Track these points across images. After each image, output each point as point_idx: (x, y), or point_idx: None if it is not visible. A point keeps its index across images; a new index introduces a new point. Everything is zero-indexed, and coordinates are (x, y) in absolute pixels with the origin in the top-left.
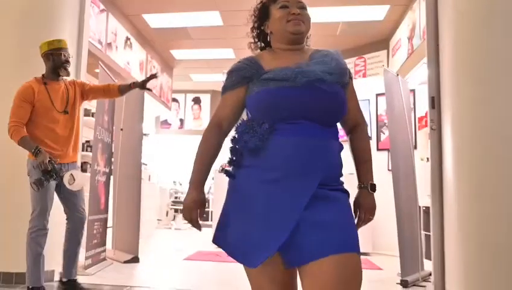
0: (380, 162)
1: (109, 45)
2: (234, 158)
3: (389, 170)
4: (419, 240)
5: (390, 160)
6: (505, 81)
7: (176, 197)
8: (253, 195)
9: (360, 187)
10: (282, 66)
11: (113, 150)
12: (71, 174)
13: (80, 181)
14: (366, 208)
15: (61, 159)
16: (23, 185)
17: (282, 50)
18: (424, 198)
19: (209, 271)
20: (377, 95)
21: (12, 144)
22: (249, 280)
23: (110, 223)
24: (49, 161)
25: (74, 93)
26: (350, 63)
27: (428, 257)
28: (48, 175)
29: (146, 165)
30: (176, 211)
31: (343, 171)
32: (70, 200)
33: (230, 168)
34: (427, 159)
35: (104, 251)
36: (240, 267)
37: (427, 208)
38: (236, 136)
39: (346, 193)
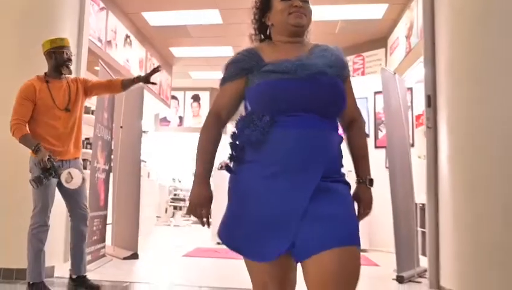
0: (377, 160)
1: (109, 42)
2: (235, 154)
3: (386, 167)
4: (416, 237)
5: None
6: (500, 81)
7: (175, 195)
8: (256, 190)
9: (358, 182)
10: (282, 58)
11: (112, 148)
12: (69, 172)
13: (77, 180)
14: (365, 203)
15: (63, 156)
16: (25, 182)
17: (282, 42)
18: (421, 195)
19: (207, 267)
20: (375, 93)
21: (15, 142)
22: (249, 275)
23: (109, 219)
24: (48, 158)
25: (76, 90)
26: (349, 61)
27: (425, 254)
28: (47, 173)
29: (145, 162)
30: (175, 208)
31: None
32: (72, 197)
33: (231, 164)
34: (424, 156)
35: (104, 247)
36: (237, 263)
37: (424, 205)
38: (236, 131)
39: (348, 184)
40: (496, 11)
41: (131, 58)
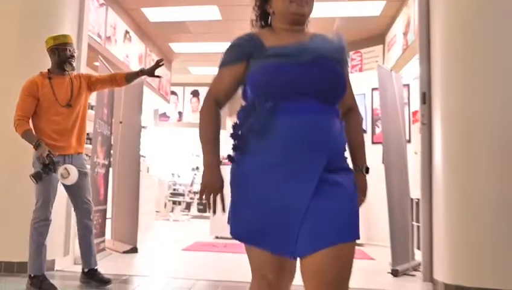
0: (374, 155)
1: (108, 38)
2: (238, 144)
3: (383, 163)
4: (411, 231)
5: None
6: (494, 79)
7: (174, 189)
8: (260, 181)
9: (355, 170)
10: (283, 43)
11: (112, 143)
12: (65, 168)
13: (73, 176)
14: (361, 190)
15: (65, 151)
16: (27, 177)
17: (283, 30)
18: (417, 190)
19: (206, 261)
20: (373, 89)
21: (17, 137)
22: (250, 267)
23: (109, 214)
24: (47, 154)
25: (79, 86)
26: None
27: (420, 248)
28: (46, 169)
29: (145, 157)
30: (174, 202)
31: None
32: (74, 191)
33: (233, 154)
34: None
35: (103, 241)
36: (236, 257)
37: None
38: (238, 121)
39: (352, 172)
40: (489, 8)
41: (131, 54)
